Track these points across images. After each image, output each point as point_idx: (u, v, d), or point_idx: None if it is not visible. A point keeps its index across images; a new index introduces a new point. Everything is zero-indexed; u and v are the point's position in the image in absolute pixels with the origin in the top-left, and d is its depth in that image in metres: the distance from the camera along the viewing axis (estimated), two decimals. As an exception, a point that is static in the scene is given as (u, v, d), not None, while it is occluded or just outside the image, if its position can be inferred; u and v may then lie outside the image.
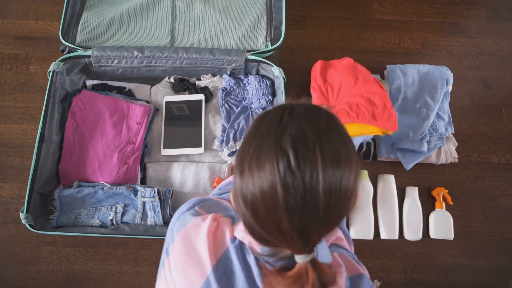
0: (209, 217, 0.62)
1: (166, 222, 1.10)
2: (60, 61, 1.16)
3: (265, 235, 0.50)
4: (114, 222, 1.09)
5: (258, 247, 0.56)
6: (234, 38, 1.25)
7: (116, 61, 1.19)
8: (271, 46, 1.22)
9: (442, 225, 1.22)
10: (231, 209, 0.68)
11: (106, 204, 1.10)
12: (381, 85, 1.19)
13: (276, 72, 1.17)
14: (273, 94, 1.26)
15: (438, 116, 1.26)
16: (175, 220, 0.65)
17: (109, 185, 1.11)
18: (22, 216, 1.01)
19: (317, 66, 1.27)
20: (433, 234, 1.22)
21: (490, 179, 1.29)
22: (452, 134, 1.29)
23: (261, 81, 1.24)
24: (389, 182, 1.25)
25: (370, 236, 1.20)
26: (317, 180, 0.46)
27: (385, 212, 1.22)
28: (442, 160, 1.25)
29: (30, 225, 1.02)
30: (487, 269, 1.21)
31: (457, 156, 1.27)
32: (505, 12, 1.49)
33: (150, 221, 1.09)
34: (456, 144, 1.28)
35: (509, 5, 1.50)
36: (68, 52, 1.20)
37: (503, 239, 1.24)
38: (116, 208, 1.10)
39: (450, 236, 1.21)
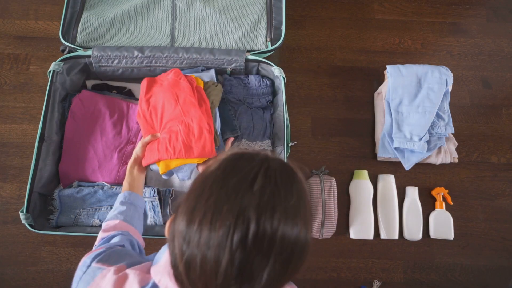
0: (111, 269, 0.57)
1: (166, 222, 1.10)
2: (60, 61, 1.16)
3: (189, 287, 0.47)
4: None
5: None
6: (234, 38, 1.25)
7: (116, 61, 1.19)
8: (271, 46, 1.22)
9: (442, 225, 1.22)
10: (133, 254, 0.65)
11: (106, 204, 1.10)
12: (205, 101, 1.10)
13: (276, 72, 1.17)
14: (273, 94, 1.26)
15: (438, 116, 1.26)
16: (75, 285, 0.59)
17: (109, 185, 1.11)
18: (22, 216, 1.01)
19: (143, 85, 1.15)
20: (433, 234, 1.22)
21: (490, 179, 1.29)
22: (452, 134, 1.29)
23: (261, 81, 1.24)
24: (389, 182, 1.25)
25: (370, 236, 1.20)
26: (265, 266, 0.43)
27: (385, 212, 1.22)
28: (442, 160, 1.25)
29: (30, 225, 1.02)
30: (487, 269, 1.21)
31: (457, 156, 1.27)
32: (505, 12, 1.49)
33: (150, 221, 1.09)
34: (456, 144, 1.28)
35: (509, 5, 1.50)
36: (68, 52, 1.20)
37: (503, 239, 1.24)
38: (116, 208, 1.10)
39: (450, 236, 1.21)
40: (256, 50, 1.22)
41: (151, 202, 1.09)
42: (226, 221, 0.43)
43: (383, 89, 1.30)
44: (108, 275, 0.56)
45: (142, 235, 1.06)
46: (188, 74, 1.16)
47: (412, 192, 1.24)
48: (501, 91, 1.39)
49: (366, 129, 1.33)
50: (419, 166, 1.29)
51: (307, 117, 1.34)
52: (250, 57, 1.19)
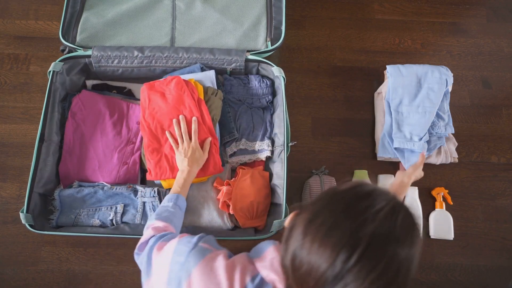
0: (219, 252, 0.62)
1: (166, 222, 1.10)
2: (60, 61, 1.16)
3: (291, 278, 0.52)
4: (114, 222, 1.09)
5: (281, 286, 0.56)
6: (234, 38, 1.25)
7: (116, 61, 1.19)
8: (271, 46, 1.22)
9: (442, 225, 1.22)
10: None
11: (106, 204, 1.10)
12: (207, 118, 1.12)
13: (276, 72, 1.17)
14: (273, 94, 1.26)
15: (438, 116, 1.26)
16: (183, 258, 0.63)
17: (109, 185, 1.11)
18: (22, 216, 1.01)
19: (144, 93, 1.14)
20: (433, 234, 1.22)
21: (490, 179, 1.29)
22: (452, 134, 1.29)
23: (261, 81, 1.24)
24: (389, 182, 1.25)
25: (370, 236, 1.20)
26: (361, 285, 0.46)
27: (385, 212, 1.22)
28: (442, 160, 1.25)
29: (30, 225, 1.02)
30: (487, 269, 1.21)
31: (457, 156, 1.27)
32: (505, 12, 1.49)
33: (150, 221, 1.09)
34: (456, 144, 1.28)
35: (509, 5, 1.50)
36: (68, 52, 1.20)
37: (503, 239, 1.24)
38: (116, 208, 1.10)
39: (450, 236, 1.21)
40: (256, 50, 1.22)
41: (151, 202, 1.09)
42: (340, 236, 0.48)
43: (383, 89, 1.30)
44: (219, 258, 0.61)
45: (142, 235, 1.06)
46: (187, 78, 1.16)
47: (412, 192, 1.24)
48: (501, 91, 1.39)
49: (366, 129, 1.33)
50: (419, 166, 1.29)
51: (307, 117, 1.34)
52: (250, 57, 1.19)
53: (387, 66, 1.29)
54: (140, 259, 0.77)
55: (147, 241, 0.79)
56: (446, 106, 1.28)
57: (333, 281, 0.47)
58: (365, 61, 1.41)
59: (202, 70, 1.21)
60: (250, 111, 1.23)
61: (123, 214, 1.10)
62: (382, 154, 1.25)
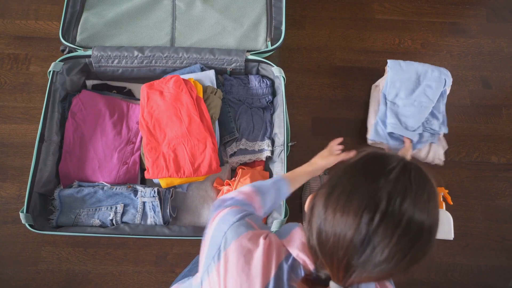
0: (263, 234, 0.62)
1: (166, 222, 1.10)
2: (60, 61, 1.16)
3: (320, 255, 0.53)
4: (114, 222, 1.09)
5: (311, 266, 0.57)
6: (234, 38, 1.25)
7: (116, 61, 1.19)
8: (271, 46, 1.22)
9: (442, 225, 1.22)
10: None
11: (106, 204, 1.10)
12: (206, 116, 1.12)
13: (276, 72, 1.17)
14: (273, 94, 1.26)
15: (433, 115, 1.26)
16: (225, 228, 0.63)
17: (109, 185, 1.11)
18: (22, 216, 1.01)
19: (143, 92, 1.15)
20: (433, 234, 1.22)
21: (490, 179, 1.29)
22: (445, 135, 1.28)
23: (261, 81, 1.24)
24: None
25: (370, 236, 1.20)
26: (387, 244, 0.47)
27: (385, 212, 1.22)
28: (429, 158, 1.25)
29: (30, 225, 1.02)
30: (487, 269, 1.21)
31: (443, 159, 1.26)
32: (505, 12, 1.49)
33: (150, 221, 1.09)
34: (446, 147, 1.27)
35: (509, 5, 1.50)
36: (68, 52, 1.20)
37: (503, 239, 1.24)
38: (116, 208, 1.10)
39: (450, 236, 1.21)
40: (256, 50, 1.22)
41: (151, 202, 1.09)
42: (360, 199, 0.49)
43: (381, 82, 1.30)
44: (260, 238, 0.61)
45: (142, 235, 1.06)
46: (187, 77, 1.16)
47: (412, 192, 1.24)
48: (501, 91, 1.39)
49: (366, 129, 1.33)
50: (419, 166, 1.29)
51: (307, 117, 1.34)
52: (250, 57, 1.19)
53: (388, 61, 1.29)
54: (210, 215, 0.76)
55: (224, 200, 0.77)
56: (442, 107, 1.28)
57: (362, 246, 0.48)
58: (365, 61, 1.41)
59: (202, 70, 1.21)
60: (250, 111, 1.23)
61: (123, 214, 1.10)
62: (374, 138, 1.25)
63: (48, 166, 1.10)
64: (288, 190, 0.91)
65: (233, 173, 1.20)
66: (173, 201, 1.14)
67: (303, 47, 1.42)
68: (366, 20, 1.47)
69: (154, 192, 1.09)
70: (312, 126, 1.33)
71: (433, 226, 0.51)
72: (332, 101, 1.36)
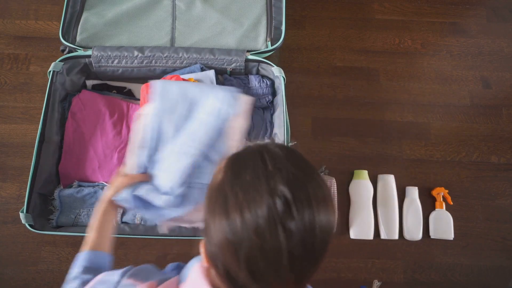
0: (143, 287, 0.55)
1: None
2: (60, 61, 1.16)
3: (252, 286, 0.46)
4: (114, 222, 1.08)
5: None
6: (234, 38, 1.25)
7: (116, 61, 1.19)
8: (271, 46, 1.22)
9: (442, 225, 1.22)
10: (161, 272, 0.63)
11: (106, 204, 1.10)
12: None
13: (276, 72, 1.17)
14: (273, 94, 1.26)
15: (208, 160, 0.79)
16: None
17: (109, 185, 1.11)
18: (22, 216, 1.01)
19: (144, 92, 1.11)
20: (433, 234, 1.22)
21: (490, 179, 1.29)
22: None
23: (261, 81, 1.24)
24: (389, 182, 1.25)
25: (370, 236, 1.20)
26: (314, 221, 0.45)
27: (385, 212, 1.22)
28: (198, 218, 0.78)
29: (30, 225, 1.02)
30: (487, 269, 1.21)
31: None
32: (505, 12, 1.49)
33: (150, 221, 1.09)
34: None
35: (509, 5, 1.50)
36: (68, 52, 1.20)
37: (503, 239, 1.24)
38: (116, 208, 1.09)
39: (450, 236, 1.21)
40: (256, 50, 1.22)
41: (151, 202, 1.09)
42: (264, 203, 0.44)
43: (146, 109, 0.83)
44: None
45: (142, 235, 1.06)
46: (187, 77, 1.16)
47: (412, 192, 1.24)
48: (501, 91, 1.39)
49: (366, 129, 1.33)
50: (419, 166, 1.29)
51: (307, 117, 1.34)
52: (250, 57, 1.19)
53: (154, 82, 0.83)
54: None
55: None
56: (223, 146, 0.79)
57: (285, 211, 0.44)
58: (365, 61, 1.41)
59: (202, 70, 1.21)
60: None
61: (123, 214, 1.10)
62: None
63: (48, 166, 1.10)
64: (108, 258, 0.74)
65: (233, 173, 1.20)
66: (173, 201, 1.13)
67: (303, 47, 1.42)
68: (366, 20, 1.47)
69: (154, 192, 1.09)
70: (312, 126, 1.33)
71: (323, 180, 0.50)
72: (332, 101, 1.36)
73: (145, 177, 0.77)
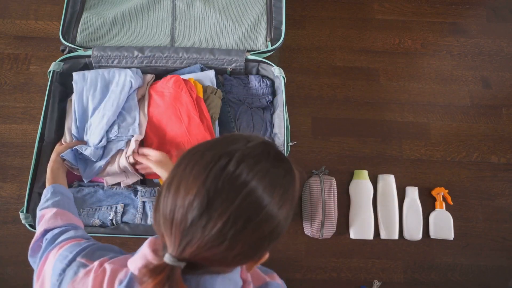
0: (95, 265, 0.56)
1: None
2: (60, 61, 1.16)
3: (162, 227, 0.48)
4: (114, 222, 1.09)
5: (155, 258, 0.51)
6: (234, 38, 1.25)
7: (116, 61, 1.19)
8: (271, 46, 1.22)
9: (442, 225, 1.22)
10: (117, 249, 0.64)
11: (106, 204, 1.10)
12: (206, 116, 1.11)
13: (276, 72, 1.17)
14: (273, 94, 1.26)
15: (123, 117, 1.11)
16: (56, 278, 0.57)
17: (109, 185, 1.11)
18: (22, 216, 1.01)
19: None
20: (433, 234, 1.22)
21: (490, 179, 1.29)
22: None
23: (261, 81, 1.24)
24: (389, 182, 1.25)
25: (370, 236, 1.20)
26: (228, 206, 0.45)
27: (385, 212, 1.22)
28: (121, 164, 1.07)
29: (30, 225, 1.02)
30: (487, 269, 1.21)
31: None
32: (505, 12, 1.49)
33: (150, 221, 1.09)
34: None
35: (509, 5, 1.50)
36: (68, 52, 1.20)
37: (503, 239, 1.24)
38: (116, 208, 1.10)
39: (450, 236, 1.21)
40: (256, 50, 1.22)
41: (151, 202, 1.09)
42: (214, 153, 0.48)
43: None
44: (90, 274, 0.55)
45: (142, 235, 1.06)
46: (187, 77, 1.16)
47: (412, 192, 1.24)
48: (501, 91, 1.39)
49: (366, 129, 1.33)
50: (419, 166, 1.29)
51: (307, 117, 1.34)
52: (250, 57, 1.19)
53: (73, 74, 1.13)
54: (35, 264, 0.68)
55: (39, 240, 0.71)
56: (134, 107, 1.12)
57: (201, 210, 0.45)
58: (365, 61, 1.41)
59: (202, 70, 1.21)
60: (250, 111, 1.23)
61: (123, 214, 1.09)
62: (67, 156, 1.05)
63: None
64: (69, 192, 0.92)
65: (233, 173, 1.20)
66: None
67: (303, 47, 1.42)
68: (366, 20, 1.47)
69: (155, 192, 1.09)
70: (312, 126, 1.33)
71: (282, 206, 0.49)
72: (332, 101, 1.36)
73: (78, 143, 1.08)
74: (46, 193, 0.87)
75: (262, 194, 0.46)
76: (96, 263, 0.57)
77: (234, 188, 0.45)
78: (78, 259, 0.59)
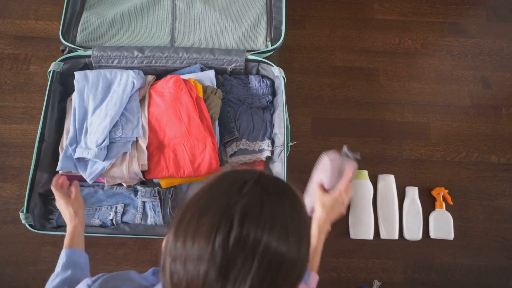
0: None
1: (166, 222, 1.10)
2: (60, 61, 1.16)
3: None
4: (114, 222, 1.09)
5: None
6: (234, 38, 1.25)
7: (116, 61, 1.19)
8: (271, 46, 1.22)
9: (442, 225, 1.22)
10: (140, 277, 0.61)
11: (106, 204, 1.10)
12: (206, 116, 1.12)
13: (276, 72, 1.17)
14: (273, 94, 1.26)
15: (127, 118, 1.11)
16: None
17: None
18: (22, 216, 1.01)
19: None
20: (433, 234, 1.22)
21: (490, 179, 1.29)
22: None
23: (261, 81, 1.24)
24: (389, 182, 1.25)
25: (370, 236, 1.20)
26: (248, 271, 0.40)
27: (385, 212, 1.22)
28: (127, 168, 1.08)
29: (30, 225, 1.02)
30: (487, 269, 1.21)
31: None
32: (505, 12, 1.49)
33: (150, 221, 1.09)
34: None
35: (509, 5, 1.50)
36: (68, 52, 1.20)
37: (503, 239, 1.24)
38: (116, 208, 1.10)
39: (450, 236, 1.21)
40: (256, 50, 1.22)
41: (151, 202, 1.09)
42: (211, 219, 0.42)
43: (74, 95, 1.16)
44: None
45: (142, 235, 1.06)
46: (187, 77, 1.16)
47: (412, 192, 1.24)
48: (501, 91, 1.39)
49: (366, 129, 1.33)
50: (419, 166, 1.29)
51: (307, 117, 1.34)
52: (250, 57, 1.19)
53: (75, 73, 1.15)
54: None
55: None
56: (137, 109, 1.13)
57: (219, 281, 0.40)
58: (365, 61, 1.41)
59: (202, 70, 1.21)
60: (250, 111, 1.23)
61: (123, 214, 1.10)
62: (64, 166, 1.07)
63: (48, 166, 1.10)
64: (84, 257, 0.86)
65: (233, 173, 1.20)
66: (173, 201, 1.14)
67: (303, 47, 1.42)
68: (366, 20, 1.47)
69: (154, 192, 1.09)
70: (312, 126, 1.33)
71: (300, 247, 0.44)
72: (332, 101, 1.36)
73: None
74: (59, 261, 0.84)
75: (278, 245, 0.42)
76: None
77: (247, 252, 0.40)
78: None
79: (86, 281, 0.60)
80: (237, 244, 0.40)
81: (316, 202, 0.85)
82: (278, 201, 0.45)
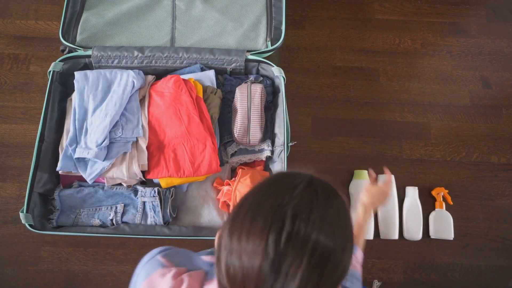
0: (172, 270, 0.57)
1: (166, 222, 1.10)
2: (60, 61, 1.16)
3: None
4: (114, 222, 1.09)
5: None
6: (234, 38, 1.25)
7: (116, 61, 1.19)
8: (271, 46, 1.22)
9: (442, 225, 1.22)
10: (198, 259, 0.64)
11: (106, 204, 1.10)
12: (206, 116, 1.12)
13: (276, 72, 1.17)
14: (273, 94, 1.26)
15: (127, 119, 1.11)
16: (138, 270, 0.60)
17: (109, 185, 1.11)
18: (22, 216, 1.01)
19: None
20: (433, 234, 1.22)
21: (490, 179, 1.29)
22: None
23: (261, 81, 1.24)
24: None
25: (370, 236, 1.20)
26: (298, 266, 0.43)
27: (385, 212, 1.22)
28: (123, 173, 1.07)
29: (30, 225, 1.02)
30: (487, 269, 1.21)
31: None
32: (505, 12, 1.49)
33: (150, 221, 1.09)
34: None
35: (509, 5, 1.50)
36: (68, 52, 1.20)
37: (503, 239, 1.24)
38: (116, 208, 1.10)
39: (450, 236, 1.21)
40: (256, 50, 1.22)
41: (151, 202, 1.09)
42: (264, 218, 0.45)
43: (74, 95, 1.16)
44: (167, 276, 0.56)
45: (142, 235, 1.06)
46: (187, 77, 1.16)
47: (412, 192, 1.24)
48: (501, 91, 1.39)
49: (366, 129, 1.33)
50: (419, 166, 1.29)
51: (307, 117, 1.34)
52: (250, 57, 1.19)
53: (75, 73, 1.15)
54: None
55: None
56: (136, 109, 1.13)
57: (272, 274, 0.43)
58: (365, 61, 1.41)
59: (202, 70, 1.21)
60: (250, 111, 1.23)
61: (123, 214, 1.09)
62: (64, 166, 1.07)
63: (48, 166, 1.10)
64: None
65: (233, 173, 1.20)
66: (173, 201, 1.13)
67: (303, 47, 1.42)
68: (366, 20, 1.47)
69: (154, 192, 1.09)
70: (312, 126, 1.33)
71: (345, 246, 0.48)
72: (332, 101, 1.36)
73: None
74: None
75: (325, 243, 0.45)
76: (173, 270, 0.57)
77: (297, 248, 0.44)
78: (158, 257, 0.60)
79: (159, 248, 0.63)
80: (289, 240, 0.44)
81: (363, 191, 0.94)
82: (326, 203, 0.48)
